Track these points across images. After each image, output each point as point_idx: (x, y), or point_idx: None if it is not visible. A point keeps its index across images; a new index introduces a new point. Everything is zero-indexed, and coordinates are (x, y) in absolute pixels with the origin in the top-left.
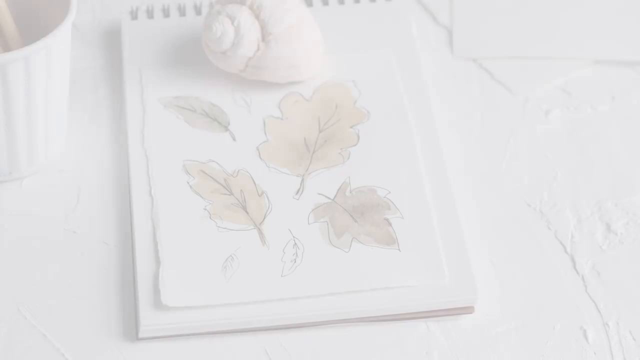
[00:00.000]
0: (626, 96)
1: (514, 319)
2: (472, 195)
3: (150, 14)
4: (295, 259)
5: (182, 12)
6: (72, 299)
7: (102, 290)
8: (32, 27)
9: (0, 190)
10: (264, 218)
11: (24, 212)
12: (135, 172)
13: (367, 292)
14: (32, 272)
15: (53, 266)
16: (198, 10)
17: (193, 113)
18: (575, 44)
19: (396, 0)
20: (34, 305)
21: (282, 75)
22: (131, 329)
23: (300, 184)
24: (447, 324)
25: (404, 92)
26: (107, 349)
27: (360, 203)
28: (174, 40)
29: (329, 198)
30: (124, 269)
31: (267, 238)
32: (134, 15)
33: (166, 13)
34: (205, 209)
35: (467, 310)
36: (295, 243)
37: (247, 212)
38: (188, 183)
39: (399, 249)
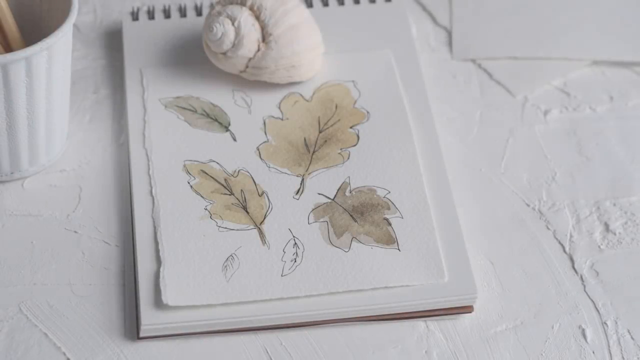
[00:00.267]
0: (624, 97)
1: (513, 319)
2: (471, 195)
3: (151, 14)
4: (295, 259)
5: (182, 13)
6: (73, 299)
7: (103, 290)
8: (34, 27)
9: (2, 190)
10: (264, 218)
11: (26, 212)
12: (136, 172)
13: (366, 292)
14: (33, 271)
15: (54, 266)
16: (199, 11)
17: (194, 113)
18: (574, 45)
19: (396, 1)
20: (35, 304)
21: (282, 76)
22: (132, 329)
23: (300, 184)
24: (446, 324)
25: (403, 93)
26: (108, 348)
27: (360, 203)
28: (174, 41)
29: (328, 198)
30: (125, 269)
31: (267, 238)
32: (134, 16)
33: (167, 14)
34: (205, 209)
35: (467, 309)
36: (296, 243)
37: (248, 212)
38: (189, 183)
39: (398, 249)
